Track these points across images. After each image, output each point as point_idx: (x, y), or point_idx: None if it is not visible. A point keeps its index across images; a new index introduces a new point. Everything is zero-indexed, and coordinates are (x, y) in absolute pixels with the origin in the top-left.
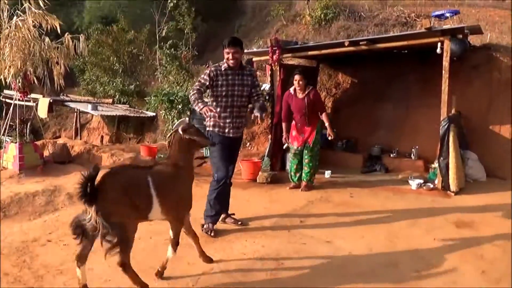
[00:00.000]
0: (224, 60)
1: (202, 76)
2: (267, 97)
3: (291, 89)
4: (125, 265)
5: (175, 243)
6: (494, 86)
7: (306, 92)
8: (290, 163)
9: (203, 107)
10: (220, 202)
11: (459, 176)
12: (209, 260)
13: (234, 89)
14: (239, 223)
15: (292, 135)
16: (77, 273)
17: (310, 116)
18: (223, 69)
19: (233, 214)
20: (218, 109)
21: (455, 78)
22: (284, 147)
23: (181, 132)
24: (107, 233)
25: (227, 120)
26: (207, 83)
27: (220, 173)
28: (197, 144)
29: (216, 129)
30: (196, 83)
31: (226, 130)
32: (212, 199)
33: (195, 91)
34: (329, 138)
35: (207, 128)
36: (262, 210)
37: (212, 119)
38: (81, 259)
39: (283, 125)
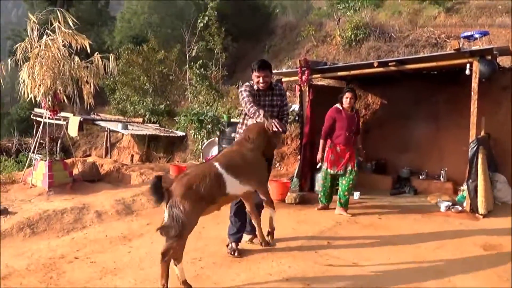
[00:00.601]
0: (253, 82)
1: (242, 91)
2: (296, 118)
3: (339, 106)
4: (164, 256)
5: (270, 203)
6: None
7: (354, 111)
8: (323, 185)
9: (268, 120)
10: (240, 219)
11: (488, 199)
12: (266, 243)
13: (263, 109)
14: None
15: (330, 158)
16: (175, 271)
17: (354, 136)
18: (255, 89)
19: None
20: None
21: (484, 100)
22: (317, 166)
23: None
24: (169, 226)
25: None
26: (254, 98)
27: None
28: (272, 138)
29: None
30: (243, 96)
31: None
32: (232, 216)
33: (251, 102)
34: (361, 159)
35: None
36: (289, 231)
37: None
38: (178, 258)
39: (321, 142)
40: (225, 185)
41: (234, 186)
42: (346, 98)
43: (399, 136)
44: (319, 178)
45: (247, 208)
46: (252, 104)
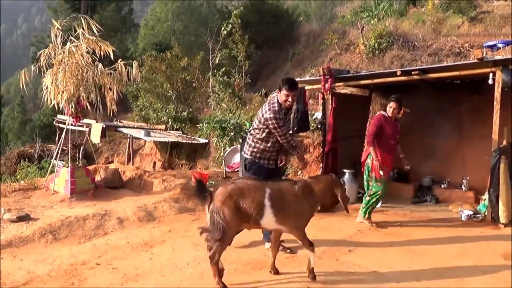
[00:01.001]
0: (280, 99)
1: (273, 116)
2: (319, 126)
3: (385, 113)
4: (212, 259)
5: (308, 245)
6: None
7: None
8: (379, 195)
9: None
10: None
11: (509, 208)
12: (276, 272)
13: (285, 124)
14: (288, 250)
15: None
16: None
17: (396, 144)
18: (283, 110)
19: (283, 241)
20: (268, 143)
21: (507, 109)
22: (381, 173)
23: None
24: (211, 231)
25: (273, 154)
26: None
27: None
28: (335, 193)
29: (262, 161)
30: (276, 122)
31: (270, 162)
32: None
33: (285, 132)
34: (408, 167)
35: (246, 155)
36: (311, 238)
37: (259, 151)
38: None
39: (372, 148)
40: (262, 216)
41: (269, 221)
42: (390, 108)
43: (422, 145)
44: (373, 188)
45: (271, 237)
46: (285, 133)
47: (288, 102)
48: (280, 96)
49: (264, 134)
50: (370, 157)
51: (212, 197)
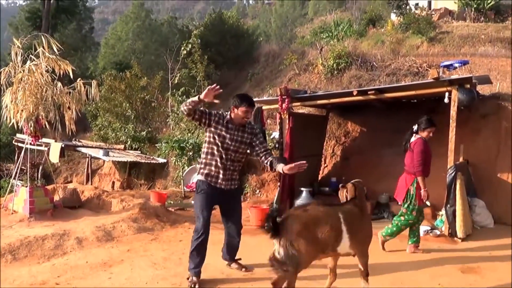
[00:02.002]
0: (232, 114)
1: (202, 109)
2: (276, 145)
3: (423, 137)
4: (275, 286)
5: (366, 274)
6: (502, 135)
7: None
8: (410, 224)
9: (203, 94)
10: (200, 254)
11: (466, 223)
12: None
13: (231, 144)
14: (243, 269)
15: (420, 192)
16: None
17: None
18: (225, 121)
19: (240, 259)
20: (213, 158)
21: (463, 127)
22: (428, 204)
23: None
24: (285, 263)
25: (221, 172)
26: (207, 115)
27: (199, 224)
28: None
29: (208, 178)
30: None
31: (218, 181)
32: (193, 251)
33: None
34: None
35: (199, 176)
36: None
37: (206, 167)
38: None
39: (421, 179)
40: (339, 243)
41: (344, 248)
42: (429, 132)
43: (379, 163)
44: (406, 216)
45: (331, 266)
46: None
47: (245, 119)
48: (236, 113)
49: (206, 145)
50: (414, 184)
51: (285, 226)
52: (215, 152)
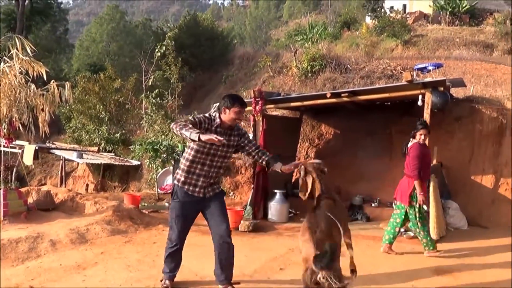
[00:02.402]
0: (223, 116)
1: (191, 118)
2: None
3: (416, 141)
4: None
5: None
6: (476, 137)
7: None
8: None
9: (204, 136)
10: (174, 260)
11: (440, 225)
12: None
13: (218, 149)
14: None
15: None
16: None
17: None
18: (214, 125)
19: (239, 283)
20: (195, 166)
21: (437, 130)
22: (426, 209)
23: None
24: None
25: (201, 179)
26: (196, 127)
27: (173, 235)
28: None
29: (186, 186)
30: (181, 121)
31: (197, 189)
32: (167, 257)
33: (182, 122)
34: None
35: (175, 182)
36: (243, 258)
37: (184, 174)
38: None
39: (420, 183)
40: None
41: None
42: (421, 135)
43: (353, 165)
44: (417, 219)
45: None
46: (182, 122)
47: (237, 120)
48: (228, 115)
49: (192, 152)
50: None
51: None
52: (201, 160)
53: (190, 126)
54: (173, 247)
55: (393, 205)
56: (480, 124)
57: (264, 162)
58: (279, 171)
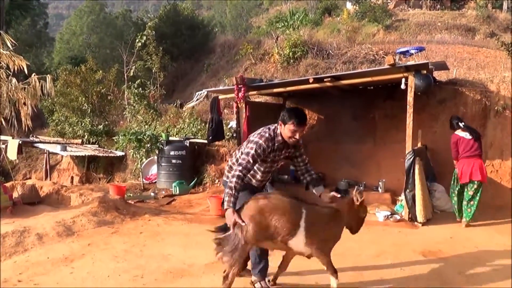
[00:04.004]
0: (283, 134)
1: (256, 149)
2: (234, 135)
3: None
4: (225, 279)
5: (333, 272)
6: None
7: None
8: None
9: (228, 212)
10: (263, 258)
11: (426, 207)
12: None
13: (278, 161)
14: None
15: None
16: None
17: None
18: (276, 144)
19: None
20: (258, 174)
21: (421, 113)
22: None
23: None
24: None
25: (261, 180)
26: (260, 158)
27: None
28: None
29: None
30: (248, 159)
31: (254, 183)
32: (257, 248)
33: (242, 173)
34: None
35: (225, 179)
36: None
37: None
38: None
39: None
40: (293, 237)
41: (298, 243)
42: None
43: (337, 150)
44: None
45: (284, 256)
46: (240, 175)
47: (293, 139)
48: (284, 130)
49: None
50: None
51: (242, 211)
52: (261, 168)
53: (236, 194)
54: None
55: (468, 185)
56: (464, 106)
57: (304, 181)
58: (317, 195)
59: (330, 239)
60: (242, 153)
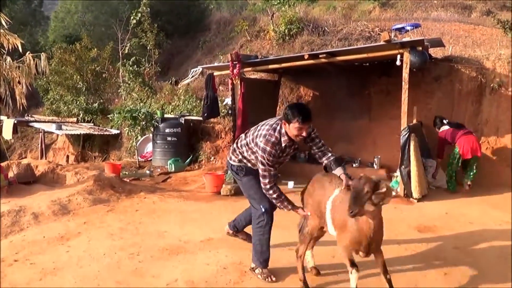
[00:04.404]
0: (288, 132)
1: (267, 158)
2: (229, 111)
3: None
4: (296, 253)
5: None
6: (455, 97)
7: None
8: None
9: (295, 208)
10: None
11: (421, 184)
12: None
13: (286, 157)
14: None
15: None
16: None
17: None
18: (283, 144)
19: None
20: None
21: (417, 89)
22: None
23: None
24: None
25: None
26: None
27: (266, 203)
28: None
29: (249, 165)
30: (266, 168)
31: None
32: (267, 237)
33: (271, 181)
34: None
35: (233, 163)
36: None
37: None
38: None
39: None
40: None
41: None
42: None
43: (333, 127)
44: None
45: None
46: (275, 190)
47: (299, 137)
48: (289, 128)
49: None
50: None
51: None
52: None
53: (283, 197)
54: (271, 215)
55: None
56: (459, 83)
57: (323, 164)
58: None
59: (347, 236)
60: (257, 160)
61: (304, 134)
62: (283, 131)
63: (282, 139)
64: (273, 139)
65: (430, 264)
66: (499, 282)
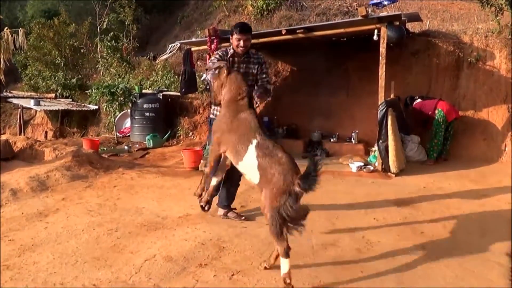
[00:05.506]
0: (231, 46)
1: (212, 58)
2: (207, 87)
3: None
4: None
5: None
6: (433, 71)
7: None
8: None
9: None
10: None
11: (399, 158)
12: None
13: (248, 74)
14: (243, 218)
15: None
16: None
17: None
18: (229, 55)
19: (235, 208)
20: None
21: (394, 65)
22: None
23: None
24: None
25: None
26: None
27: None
28: None
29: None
30: (212, 59)
31: None
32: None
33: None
34: None
35: (212, 116)
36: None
37: (218, 108)
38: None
39: None
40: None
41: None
42: None
43: (310, 102)
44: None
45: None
46: (215, 62)
47: (240, 47)
48: (232, 41)
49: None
50: None
51: None
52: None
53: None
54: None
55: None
56: (437, 58)
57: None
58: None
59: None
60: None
61: (242, 44)
62: (230, 47)
63: (229, 51)
64: (223, 49)
65: (408, 238)
66: (476, 254)
